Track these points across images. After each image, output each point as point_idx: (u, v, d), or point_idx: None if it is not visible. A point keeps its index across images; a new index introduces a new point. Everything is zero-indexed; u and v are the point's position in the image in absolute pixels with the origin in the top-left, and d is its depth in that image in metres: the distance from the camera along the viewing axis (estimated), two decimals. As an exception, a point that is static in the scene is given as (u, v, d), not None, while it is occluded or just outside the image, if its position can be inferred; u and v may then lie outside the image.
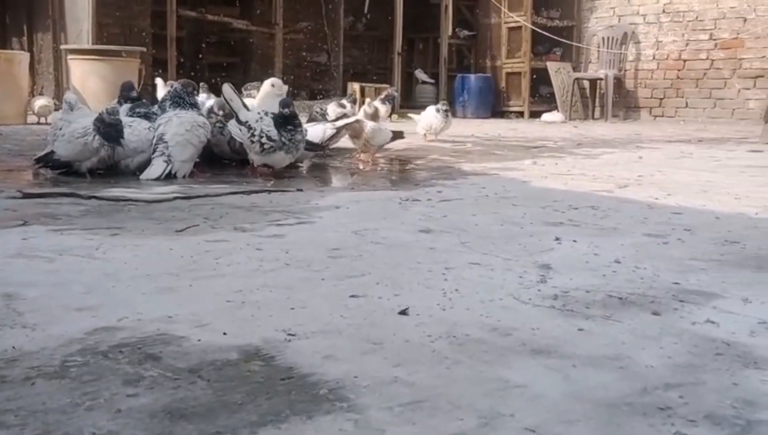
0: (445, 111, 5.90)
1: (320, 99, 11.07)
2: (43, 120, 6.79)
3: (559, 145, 6.32)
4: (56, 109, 7.18)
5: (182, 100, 3.63)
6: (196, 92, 3.73)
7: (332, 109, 4.85)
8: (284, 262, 1.74)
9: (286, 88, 4.13)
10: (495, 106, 12.08)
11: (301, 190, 3.09)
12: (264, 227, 2.22)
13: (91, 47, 7.29)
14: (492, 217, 2.45)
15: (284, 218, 2.39)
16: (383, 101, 5.79)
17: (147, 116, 3.69)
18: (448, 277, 1.62)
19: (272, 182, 3.30)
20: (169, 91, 3.79)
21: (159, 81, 8.05)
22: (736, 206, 2.75)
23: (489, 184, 3.36)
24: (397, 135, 4.43)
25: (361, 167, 4.20)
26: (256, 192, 2.98)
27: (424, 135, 6.00)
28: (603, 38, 11.73)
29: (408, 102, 12.71)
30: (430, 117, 5.95)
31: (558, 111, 11.25)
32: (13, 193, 2.75)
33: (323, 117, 4.60)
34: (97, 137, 3.27)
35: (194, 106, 3.64)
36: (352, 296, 1.44)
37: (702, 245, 2.02)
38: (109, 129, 3.29)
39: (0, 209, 2.46)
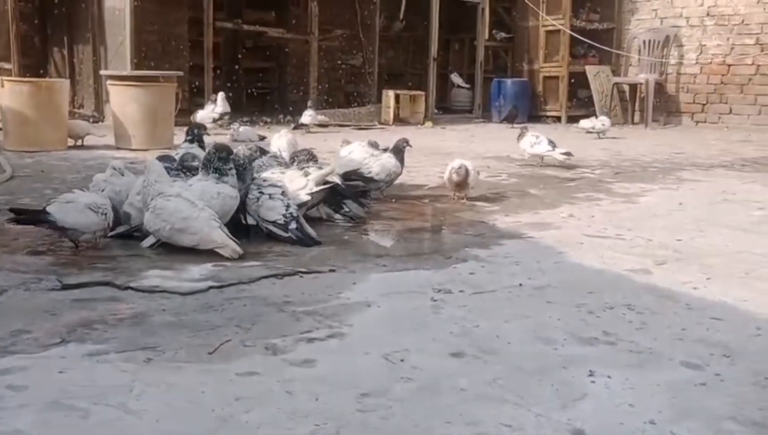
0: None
1: (355, 106, 11.05)
2: (79, 142, 6.88)
3: (597, 174, 6.23)
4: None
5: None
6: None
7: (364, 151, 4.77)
8: (314, 423, 1.75)
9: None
10: (532, 111, 11.93)
11: (333, 269, 3.10)
12: (295, 346, 2.24)
13: (129, 74, 7.38)
14: (525, 328, 2.43)
15: (315, 328, 2.40)
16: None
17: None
18: (479, 456, 1.61)
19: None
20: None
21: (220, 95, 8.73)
22: (779, 305, 2.68)
23: (523, 258, 3.33)
24: None
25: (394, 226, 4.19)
26: (290, 274, 3.01)
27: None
28: (644, 41, 11.48)
29: (443, 104, 12.64)
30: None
31: (596, 117, 11.03)
32: (53, 282, 2.80)
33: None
34: None
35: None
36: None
37: (741, 390, 1.97)
38: None
39: (40, 311, 2.50)
